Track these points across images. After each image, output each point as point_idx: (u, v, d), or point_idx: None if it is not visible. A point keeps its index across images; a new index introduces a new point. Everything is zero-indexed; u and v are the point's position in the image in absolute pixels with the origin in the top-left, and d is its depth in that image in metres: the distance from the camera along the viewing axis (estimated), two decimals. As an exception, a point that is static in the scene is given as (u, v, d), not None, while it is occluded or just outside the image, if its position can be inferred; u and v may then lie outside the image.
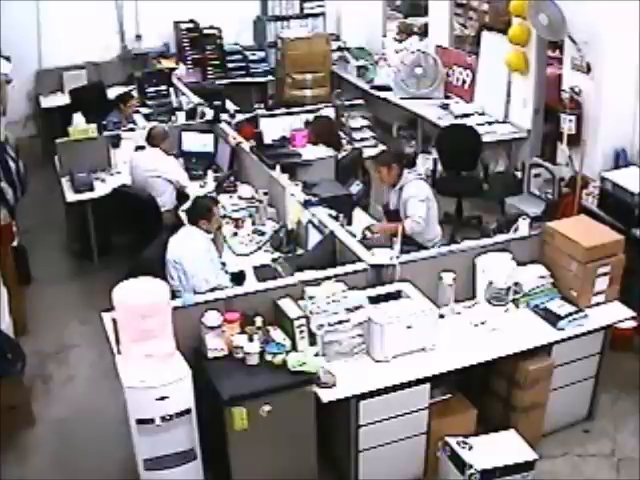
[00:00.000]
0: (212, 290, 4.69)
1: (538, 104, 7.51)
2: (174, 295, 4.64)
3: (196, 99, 8.06)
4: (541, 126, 7.60)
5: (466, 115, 8.14)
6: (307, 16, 10.46)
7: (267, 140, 6.81)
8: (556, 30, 6.49)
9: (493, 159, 8.01)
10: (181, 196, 6.48)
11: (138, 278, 4.01)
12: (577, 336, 4.48)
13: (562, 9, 6.33)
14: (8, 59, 8.24)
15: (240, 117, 7.52)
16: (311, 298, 4.14)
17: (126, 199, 6.35)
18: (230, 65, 10.09)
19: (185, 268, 4.94)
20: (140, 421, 3.81)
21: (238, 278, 5.04)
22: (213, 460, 4.11)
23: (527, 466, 4.11)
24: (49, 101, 9.20)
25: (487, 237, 5.31)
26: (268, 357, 4.02)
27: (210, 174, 6.72)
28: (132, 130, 7.54)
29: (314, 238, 5.09)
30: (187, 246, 5.02)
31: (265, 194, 5.94)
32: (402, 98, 8.92)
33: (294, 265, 4.90)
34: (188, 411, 3.89)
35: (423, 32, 9.92)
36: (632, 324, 5.16)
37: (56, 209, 7.20)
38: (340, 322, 4.13)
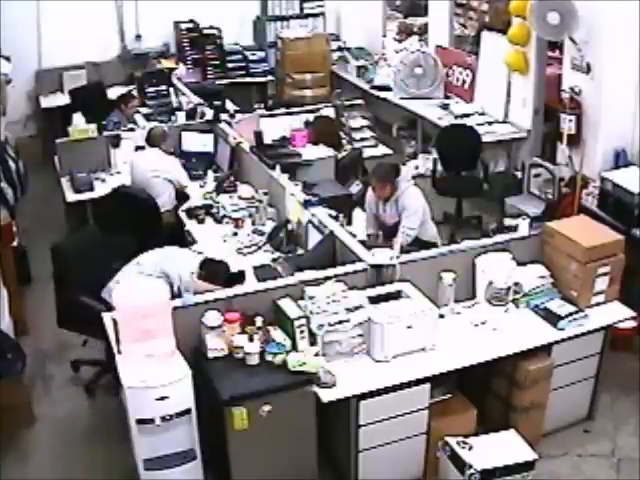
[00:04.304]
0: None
1: (538, 104, 7.50)
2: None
3: (196, 99, 8.05)
4: (541, 126, 7.59)
5: (466, 115, 8.14)
6: (307, 16, 10.47)
7: (267, 140, 6.80)
8: (566, 26, 6.36)
9: (493, 159, 8.00)
10: (181, 196, 6.48)
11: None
12: (577, 336, 4.47)
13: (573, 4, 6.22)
14: (8, 59, 8.23)
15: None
16: (311, 298, 4.14)
17: (126, 199, 6.33)
18: (230, 65, 10.09)
19: (168, 273, 4.81)
20: (140, 421, 3.81)
21: (238, 278, 5.03)
22: (213, 460, 4.12)
23: (527, 466, 4.11)
24: (49, 101, 9.19)
25: (487, 237, 5.31)
26: (268, 357, 4.02)
27: (210, 174, 6.72)
28: (132, 130, 7.53)
29: (314, 238, 5.09)
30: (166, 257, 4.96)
31: (265, 194, 5.94)
32: (402, 98, 8.92)
33: (294, 265, 4.89)
34: (188, 411, 3.89)
35: (423, 32, 9.92)
36: (632, 324, 5.15)
37: (56, 209, 7.19)
38: (340, 322, 4.12)
